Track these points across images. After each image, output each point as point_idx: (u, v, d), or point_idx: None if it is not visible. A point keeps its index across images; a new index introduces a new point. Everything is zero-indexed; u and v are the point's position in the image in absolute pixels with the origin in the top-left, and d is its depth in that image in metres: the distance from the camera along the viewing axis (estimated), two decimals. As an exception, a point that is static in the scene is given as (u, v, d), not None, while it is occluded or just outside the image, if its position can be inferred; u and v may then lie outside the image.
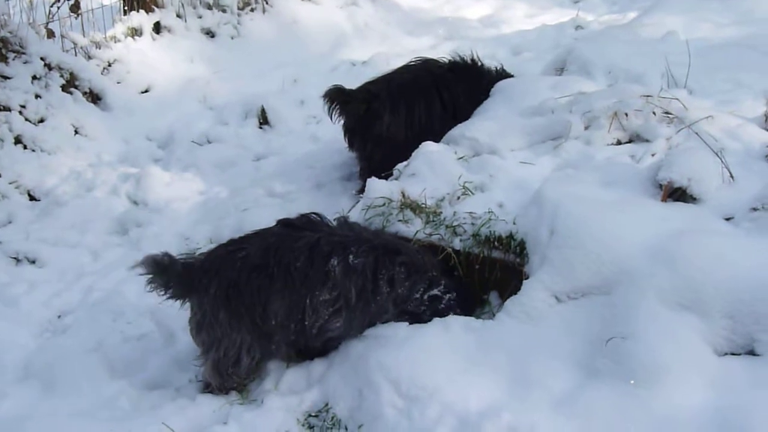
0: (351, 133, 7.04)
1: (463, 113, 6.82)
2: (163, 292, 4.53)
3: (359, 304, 4.57)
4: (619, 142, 5.67)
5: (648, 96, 5.76)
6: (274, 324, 4.50)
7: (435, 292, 4.76)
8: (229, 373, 4.60)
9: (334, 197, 6.52)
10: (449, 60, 7.21)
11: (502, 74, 7.27)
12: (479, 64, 7.26)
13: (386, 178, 5.91)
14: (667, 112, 5.66)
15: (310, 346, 4.69)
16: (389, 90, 6.96)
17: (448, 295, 4.80)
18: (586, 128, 5.77)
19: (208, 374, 4.65)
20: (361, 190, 6.34)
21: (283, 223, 4.79)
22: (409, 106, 6.89)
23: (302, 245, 4.53)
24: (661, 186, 4.70)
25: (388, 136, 6.87)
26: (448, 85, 7.01)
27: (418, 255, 4.79)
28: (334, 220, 4.85)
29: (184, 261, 4.61)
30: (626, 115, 5.68)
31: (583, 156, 5.52)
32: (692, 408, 3.67)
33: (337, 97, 6.87)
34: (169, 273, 4.50)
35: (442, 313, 4.68)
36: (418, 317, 4.68)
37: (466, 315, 4.69)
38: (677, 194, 4.66)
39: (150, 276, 4.48)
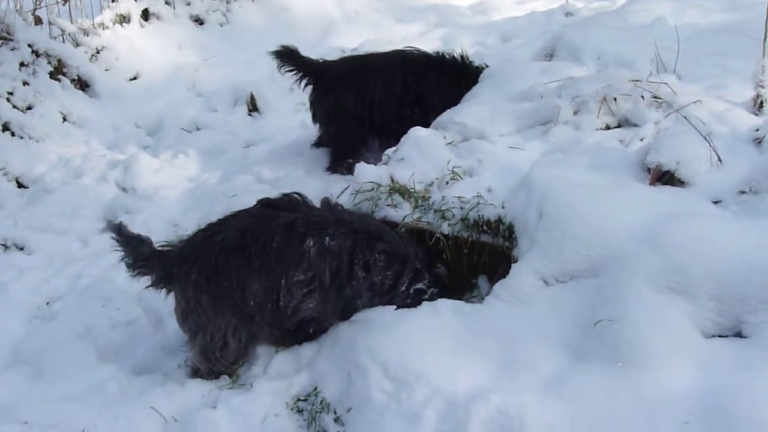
0: (311, 104, 7.29)
1: (432, 100, 6.98)
2: (133, 271, 4.55)
3: (333, 286, 4.57)
4: (608, 127, 5.68)
5: (637, 81, 5.77)
6: (253, 305, 4.50)
7: (420, 285, 4.77)
8: (216, 357, 4.59)
9: (324, 183, 6.49)
10: (435, 52, 7.33)
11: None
12: (463, 60, 7.30)
13: (344, 153, 6.84)
14: (655, 97, 5.67)
15: (285, 328, 4.69)
16: (346, 64, 7.25)
17: (431, 290, 4.81)
18: (575, 113, 5.78)
19: (196, 359, 4.66)
20: (329, 168, 7.02)
21: (263, 203, 4.78)
22: (364, 82, 7.03)
23: (279, 225, 4.52)
24: (649, 170, 4.71)
25: (339, 109, 7.08)
26: (417, 70, 7.10)
27: (402, 244, 4.78)
28: (320, 201, 4.84)
29: (161, 250, 4.61)
30: (615, 99, 5.68)
31: (572, 141, 5.53)
32: (680, 390, 3.67)
33: (287, 58, 7.11)
34: (136, 252, 4.52)
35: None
36: None
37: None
38: (665, 178, 4.67)
39: (117, 246, 4.55)
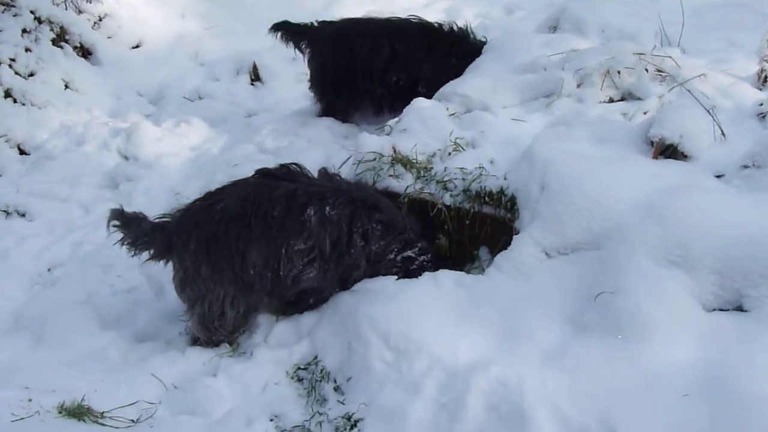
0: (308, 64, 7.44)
1: (420, 68, 7.09)
2: (134, 249, 4.56)
3: (333, 255, 4.57)
4: (611, 100, 5.66)
5: (641, 54, 5.75)
6: (253, 273, 4.50)
7: (408, 253, 4.76)
8: (215, 326, 4.61)
9: (327, 154, 6.47)
10: (432, 22, 7.35)
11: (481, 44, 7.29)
12: (459, 31, 7.31)
13: (330, 112, 7.23)
14: (659, 70, 5.65)
15: (285, 297, 4.70)
16: (337, 26, 7.34)
17: (422, 257, 4.80)
18: (579, 86, 5.76)
19: (195, 329, 4.68)
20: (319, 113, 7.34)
21: (262, 173, 4.76)
22: (352, 44, 7.15)
23: (279, 195, 4.51)
24: (652, 143, 4.70)
25: (327, 69, 7.28)
26: (407, 37, 7.15)
27: (398, 214, 4.78)
28: (318, 171, 4.83)
29: (159, 223, 4.60)
30: (619, 73, 5.66)
31: (575, 113, 5.51)
32: (680, 362, 3.69)
33: (281, 29, 7.30)
34: (137, 231, 4.52)
35: (414, 275, 4.66)
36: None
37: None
38: (669, 151, 4.67)
39: (117, 228, 4.53)
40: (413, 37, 7.19)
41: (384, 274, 4.68)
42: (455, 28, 7.31)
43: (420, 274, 4.62)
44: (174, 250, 4.54)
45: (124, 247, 4.58)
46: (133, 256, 4.61)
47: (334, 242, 4.55)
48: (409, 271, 4.72)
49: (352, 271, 4.68)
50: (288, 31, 7.30)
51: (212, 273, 4.49)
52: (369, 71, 7.18)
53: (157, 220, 4.62)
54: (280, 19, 7.40)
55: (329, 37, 7.28)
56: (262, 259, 4.48)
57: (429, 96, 6.64)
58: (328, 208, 4.53)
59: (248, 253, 4.47)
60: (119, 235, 4.55)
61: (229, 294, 4.54)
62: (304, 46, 7.35)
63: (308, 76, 7.52)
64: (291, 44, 7.35)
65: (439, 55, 7.15)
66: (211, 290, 4.52)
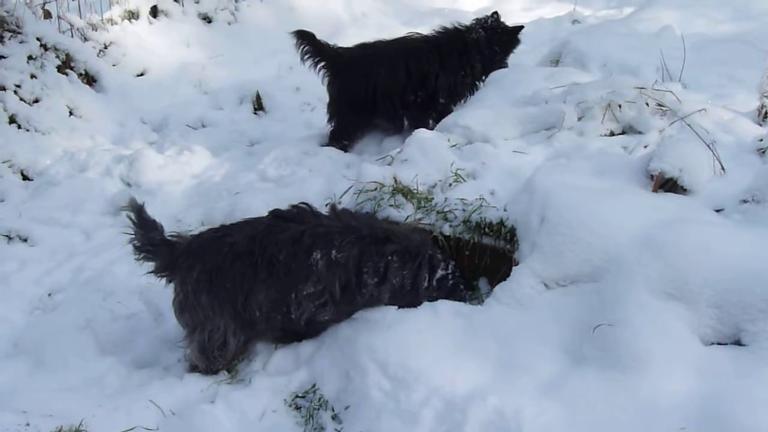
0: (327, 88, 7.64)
1: (436, 82, 7.35)
2: (139, 254, 4.57)
3: (344, 298, 4.54)
4: (612, 134, 5.69)
5: (642, 88, 5.79)
6: (259, 315, 4.49)
7: (440, 272, 4.73)
8: (215, 355, 4.59)
9: (328, 183, 6.50)
10: (434, 32, 7.59)
11: (490, 40, 7.57)
12: (463, 33, 7.55)
13: (341, 135, 7.49)
14: (660, 105, 5.68)
15: (297, 330, 4.69)
16: (354, 52, 7.55)
17: (453, 271, 4.78)
18: (580, 119, 5.79)
19: (194, 356, 4.65)
20: (327, 144, 7.56)
21: (274, 214, 4.72)
22: (369, 71, 7.39)
23: (286, 238, 4.48)
24: (652, 176, 4.72)
25: (344, 94, 7.50)
26: (418, 55, 7.38)
27: (411, 239, 4.72)
28: (326, 205, 4.82)
29: (169, 239, 4.61)
30: (620, 106, 5.70)
31: (576, 146, 5.54)
32: (677, 395, 3.69)
33: (305, 40, 7.45)
34: (147, 237, 4.54)
35: (454, 289, 4.72)
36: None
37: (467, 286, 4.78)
38: (668, 185, 4.68)
39: (131, 225, 4.54)
40: (424, 53, 7.40)
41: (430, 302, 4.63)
42: (460, 30, 7.56)
43: (459, 289, 4.69)
44: (177, 271, 4.54)
45: (129, 245, 4.60)
46: (136, 260, 4.62)
47: (343, 286, 4.51)
48: (449, 290, 4.72)
49: (373, 306, 4.64)
50: (310, 44, 7.46)
51: (213, 303, 4.47)
52: (389, 96, 7.41)
53: (168, 236, 4.62)
54: (304, 29, 7.58)
55: (348, 65, 7.46)
56: (270, 302, 4.47)
57: (448, 105, 7.25)
58: (334, 251, 4.48)
59: (253, 295, 4.45)
60: (129, 230, 4.56)
61: (230, 326, 4.52)
62: (322, 68, 7.50)
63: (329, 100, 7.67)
64: (309, 58, 7.48)
65: (451, 64, 7.40)
66: (211, 320, 4.50)
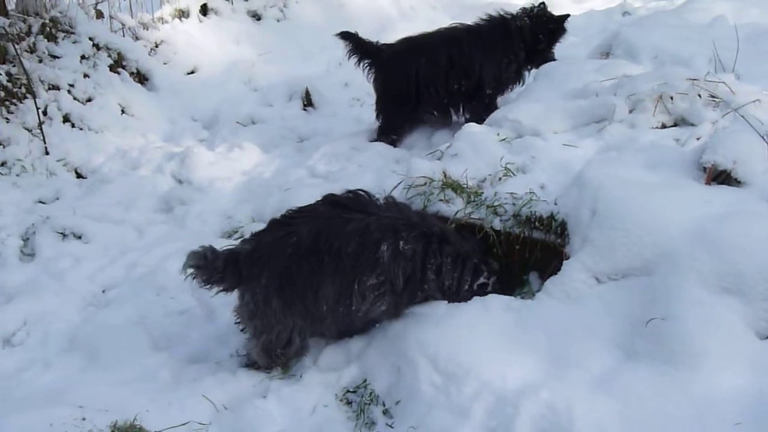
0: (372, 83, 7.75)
1: (480, 70, 7.39)
2: (205, 285, 4.46)
3: (406, 290, 4.54)
4: (663, 126, 5.62)
5: (694, 79, 5.71)
6: (325, 309, 4.47)
7: (482, 280, 4.73)
8: (278, 353, 4.62)
9: (378, 178, 6.51)
10: (478, 20, 7.65)
11: (534, 28, 7.58)
12: (507, 20, 7.57)
13: (389, 129, 7.55)
14: (713, 96, 5.60)
15: (355, 328, 4.71)
16: (396, 47, 7.61)
17: (492, 281, 4.78)
18: (631, 111, 5.73)
19: (257, 355, 4.67)
20: (375, 139, 7.62)
21: (330, 201, 4.68)
22: (411, 62, 7.43)
23: (353, 230, 4.43)
24: (705, 169, 4.65)
25: (388, 89, 7.58)
26: (460, 44, 7.40)
27: (463, 243, 4.74)
28: (382, 200, 4.78)
29: (229, 252, 4.49)
30: (671, 98, 5.62)
31: (627, 139, 5.48)
32: (732, 390, 3.64)
33: (349, 39, 7.55)
34: (211, 268, 4.42)
35: None
36: None
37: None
38: (721, 177, 4.61)
39: (193, 270, 4.41)
40: (466, 42, 7.42)
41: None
42: (503, 18, 7.59)
43: None
44: (245, 283, 4.50)
45: (195, 283, 4.49)
46: (206, 288, 4.52)
47: (407, 277, 4.51)
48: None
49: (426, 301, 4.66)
50: (355, 44, 7.54)
51: (283, 306, 4.46)
52: (433, 86, 7.43)
53: (226, 251, 4.50)
54: (348, 30, 7.68)
55: (389, 59, 7.50)
56: (335, 294, 4.44)
57: (495, 96, 7.38)
58: (402, 242, 4.47)
59: (321, 289, 4.42)
60: (193, 274, 4.44)
61: (298, 325, 4.53)
62: (367, 65, 7.57)
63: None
64: (354, 58, 7.57)
65: (494, 52, 7.43)
66: (281, 322, 4.50)
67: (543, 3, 7.63)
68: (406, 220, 4.58)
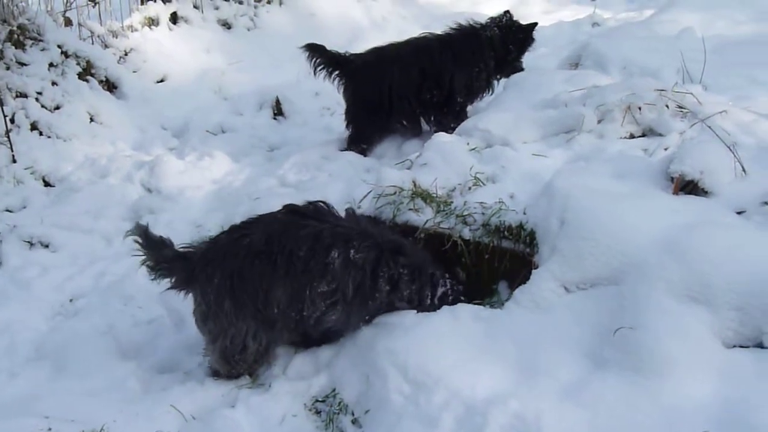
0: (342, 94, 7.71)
1: (452, 80, 7.39)
2: (153, 275, 4.54)
3: (356, 299, 4.54)
4: (632, 136, 5.66)
5: (662, 90, 5.76)
6: (277, 312, 4.48)
7: (441, 290, 4.76)
8: (236, 359, 4.59)
9: (348, 187, 6.51)
10: (447, 30, 7.64)
11: (504, 37, 7.59)
12: (476, 29, 7.60)
13: (359, 139, 7.53)
14: (680, 107, 5.65)
15: (309, 335, 4.71)
16: (366, 56, 7.59)
17: (454, 288, 4.81)
18: (599, 122, 5.77)
19: (215, 362, 4.66)
20: (345, 148, 7.58)
21: (290, 209, 4.72)
22: (382, 73, 7.42)
23: (306, 234, 4.47)
24: (672, 179, 4.69)
25: (358, 99, 7.54)
26: (432, 54, 7.41)
27: (418, 256, 4.76)
28: (345, 210, 4.82)
29: (183, 252, 4.58)
30: (640, 109, 5.67)
31: (596, 149, 5.52)
32: (700, 399, 3.66)
33: (316, 52, 7.49)
34: (159, 255, 4.52)
35: (454, 304, 4.68)
36: None
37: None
38: (689, 187, 4.65)
39: (139, 249, 4.52)
40: (436, 52, 7.43)
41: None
42: (472, 26, 7.61)
43: (460, 302, 4.68)
44: (197, 283, 4.52)
45: (143, 267, 4.58)
46: (152, 280, 4.60)
47: (357, 286, 4.52)
48: (450, 305, 4.70)
49: (381, 312, 4.66)
50: (321, 56, 7.49)
51: (235, 308, 4.46)
52: (405, 96, 7.43)
53: (181, 249, 4.60)
54: (314, 42, 7.62)
55: (360, 69, 7.48)
56: (286, 298, 4.46)
57: (466, 104, 7.39)
58: (353, 251, 4.49)
59: (272, 291, 4.44)
60: (139, 253, 4.54)
61: (251, 328, 4.52)
62: (336, 76, 7.53)
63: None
64: (322, 70, 7.51)
65: (465, 61, 7.43)
66: (234, 324, 4.49)
67: (508, 12, 7.66)
68: (360, 230, 4.60)
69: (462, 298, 4.80)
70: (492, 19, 7.66)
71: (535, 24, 7.74)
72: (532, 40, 7.71)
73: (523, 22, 7.73)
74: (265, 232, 4.51)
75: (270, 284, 4.43)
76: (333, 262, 4.44)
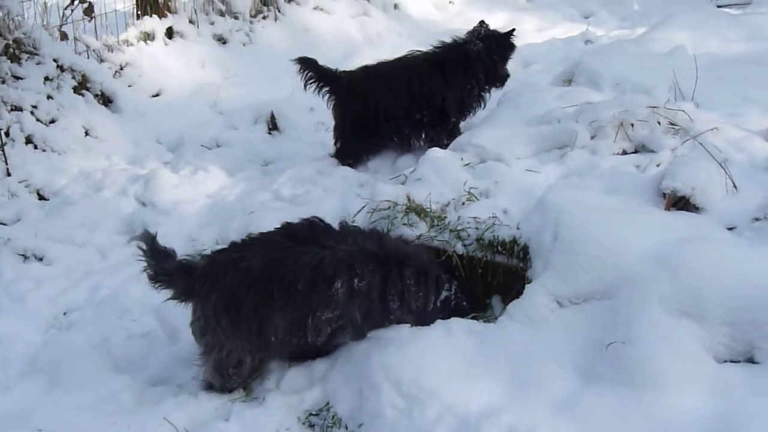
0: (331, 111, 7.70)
1: (442, 98, 7.39)
2: (153, 284, 4.54)
3: (366, 324, 4.57)
4: (624, 152, 5.71)
5: (654, 107, 5.81)
6: (274, 340, 4.48)
7: (444, 294, 4.77)
8: (230, 373, 4.59)
9: (342, 202, 6.52)
10: (432, 48, 7.66)
11: (489, 50, 7.57)
12: (460, 46, 7.58)
13: (346, 155, 7.55)
14: (672, 124, 5.70)
15: (312, 350, 4.70)
16: (355, 75, 7.58)
17: (455, 292, 4.83)
18: (592, 138, 5.82)
19: (209, 375, 4.65)
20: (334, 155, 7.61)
21: (287, 233, 4.66)
22: (371, 92, 7.42)
23: (305, 264, 4.42)
24: (664, 195, 4.73)
25: (347, 117, 7.56)
26: (422, 76, 7.41)
27: (423, 260, 4.75)
28: (338, 225, 4.78)
29: (182, 263, 4.58)
30: (632, 125, 5.72)
31: (589, 165, 5.56)
32: (691, 413, 3.68)
33: (307, 66, 7.45)
34: (161, 266, 4.50)
35: (460, 311, 4.74)
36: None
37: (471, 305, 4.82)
38: (681, 203, 4.69)
39: (143, 257, 4.49)
40: (426, 72, 7.43)
41: (432, 323, 4.62)
42: (457, 43, 7.61)
43: (462, 308, 4.72)
44: (196, 298, 4.52)
45: (143, 275, 4.57)
46: (153, 287, 4.59)
47: (364, 313, 4.52)
48: (453, 310, 4.75)
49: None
50: (312, 70, 7.47)
51: (231, 327, 4.45)
52: (393, 116, 7.43)
53: (182, 261, 4.59)
54: (306, 56, 7.61)
55: (349, 84, 7.47)
56: (285, 326, 4.45)
57: (459, 121, 7.39)
58: (356, 279, 4.46)
59: (269, 321, 4.42)
60: (142, 261, 4.52)
61: (247, 347, 4.51)
62: (326, 92, 7.52)
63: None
64: (312, 84, 7.50)
65: (455, 79, 7.43)
66: (230, 340, 4.48)
67: (483, 22, 7.67)
68: (361, 251, 4.56)
69: (464, 303, 4.84)
70: (470, 32, 7.64)
71: (513, 30, 7.70)
72: (513, 46, 7.70)
73: (516, 41, 7.74)
74: (263, 259, 4.45)
75: (267, 313, 4.42)
76: (336, 293, 4.43)
